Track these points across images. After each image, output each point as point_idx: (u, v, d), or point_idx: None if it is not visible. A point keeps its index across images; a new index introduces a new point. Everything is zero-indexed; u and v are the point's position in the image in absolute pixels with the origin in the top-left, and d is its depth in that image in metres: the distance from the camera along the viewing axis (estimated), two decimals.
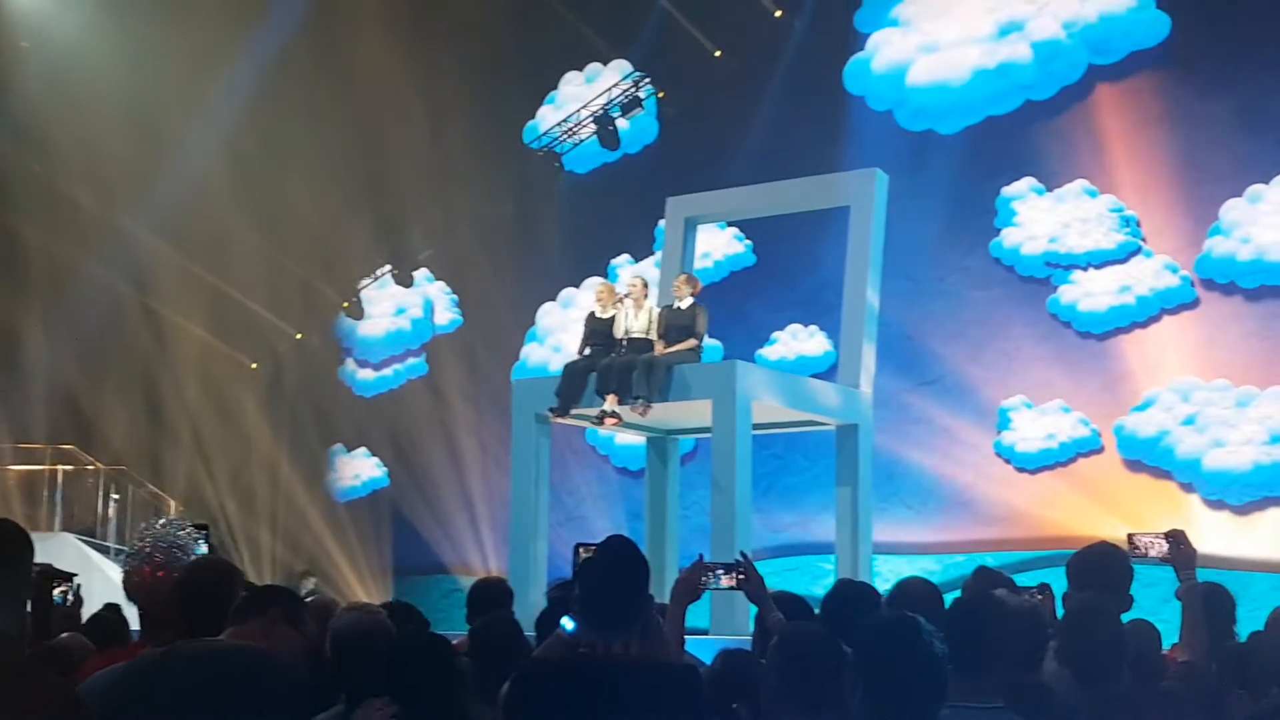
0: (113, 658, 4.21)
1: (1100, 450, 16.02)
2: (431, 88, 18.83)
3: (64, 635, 5.87)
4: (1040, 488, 16.12)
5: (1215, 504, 15.28)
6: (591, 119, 19.57)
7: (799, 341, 17.78)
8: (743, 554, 4.99)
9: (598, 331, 12.12)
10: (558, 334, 19.59)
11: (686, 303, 12.03)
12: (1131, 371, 15.95)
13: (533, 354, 19.98)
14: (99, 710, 3.43)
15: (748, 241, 18.25)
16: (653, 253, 18.27)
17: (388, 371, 21.80)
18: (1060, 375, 16.21)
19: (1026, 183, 16.60)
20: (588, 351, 12.12)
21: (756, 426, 11.87)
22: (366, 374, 22.00)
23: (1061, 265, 16.37)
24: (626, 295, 12.11)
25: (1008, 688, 3.81)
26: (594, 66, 20.15)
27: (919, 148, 16.86)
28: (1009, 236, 16.77)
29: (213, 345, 21.40)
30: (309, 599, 15.89)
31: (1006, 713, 3.69)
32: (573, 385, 11.91)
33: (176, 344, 21.20)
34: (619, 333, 11.93)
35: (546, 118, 20.31)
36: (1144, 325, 15.94)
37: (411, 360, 21.61)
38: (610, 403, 11.61)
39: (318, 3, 19.93)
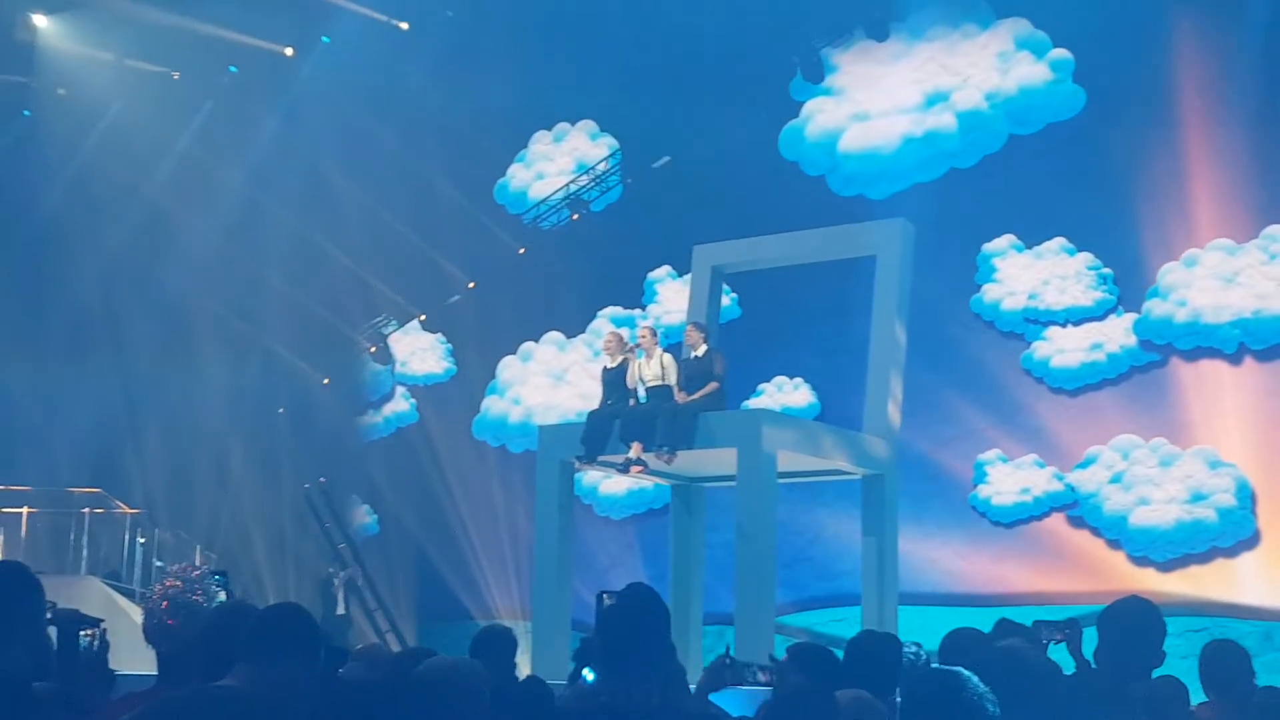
0: (131, 703, 4.19)
1: (1075, 504, 16.38)
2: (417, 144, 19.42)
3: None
4: (1016, 541, 16.40)
5: (1140, 560, 15.77)
6: (565, 201, 20.32)
7: (784, 394, 17.88)
8: (772, 658, 4.90)
9: (613, 382, 12.14)
10: (517, 387, 20.20)
11: (702, 350, 12.03)
12: (1086, 428, 16.36)
13: (493, 406, 20.46)
14: None
15: (734, 294, 18.20)
16: (642, 306, 19.21)
17: (378, 419, 22.04)
18: (1034, 430, 16.54)
19: (1007, 239, 17.01)
20: (610, 401, 12.13)
21: (782, 475, 11.80)
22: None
23: (1041, 321, 16.74)
24: (637, 345, 12.16)
25: None
26: (562, 126, 20.73)
27: (850, 212, 17.00)
28: (989, 292, 17.15)
29: (242, 389, 21.45)
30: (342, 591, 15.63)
31: None
32: (597, 433, 11.91)
33: (205, 388, 21.29)
34: (632, 382, 11.94)
35: (516, 175, 20.95)
36: (1115, 383, 16.35)
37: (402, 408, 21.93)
38: (635, 450, 11.60)
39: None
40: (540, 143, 20.95)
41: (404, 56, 20.50)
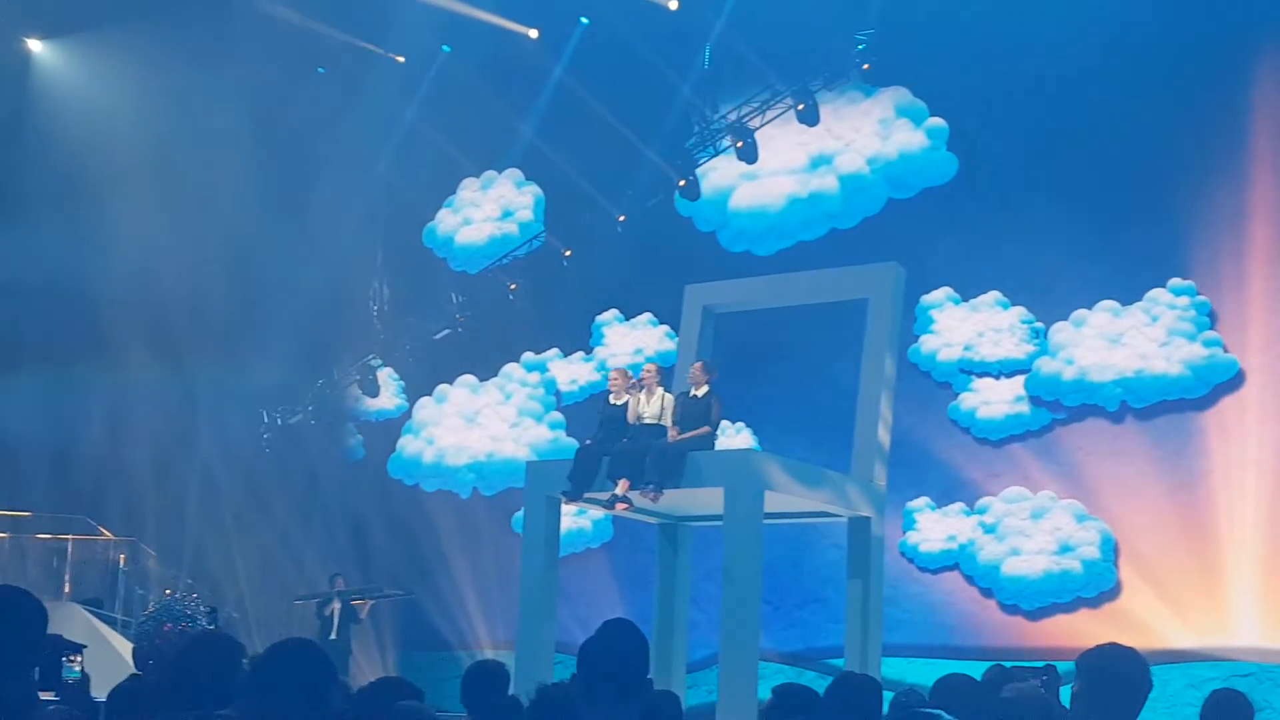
0: None
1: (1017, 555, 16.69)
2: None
3: (59, 708, 5.81)
4: (937, 588, 16.76)
5: (1010, 609, 16.37)
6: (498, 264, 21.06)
7: (726, 438, 17.95)
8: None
9: (611, 419, 12.15)
10: (431, 428, 20.85)
11: (703, 390, 12.05)
12: (1000, 478, 16.87)
13: (408, 445, 21.15)
14: None
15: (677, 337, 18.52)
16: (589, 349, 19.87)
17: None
18: (960, 479, 16.97)
19: (944, 292, 17.44)
20: (604, 438, 12.14)
21: (767, 515, 11.81)
22: None
23: (975, 373, 17.26)
24: (640, 380, 12.16)
25: None
26: (489, 173, 21.37)
27: (737, 267, 17.74)
28: (926, 343, 17.54)
29: (226, 420, 21.42)
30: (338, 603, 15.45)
31: None
32: (585, 469, 11.91)
33: (190, 418, 21.27)
34: (632, 418, 11.96)
35: (444, 220, 21.57)
36: (1038, 434, 16.92)
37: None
38: (621, 488, 11.60)
39: None
40: (466, 189, 21.53)
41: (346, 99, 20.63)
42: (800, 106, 18.12)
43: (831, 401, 15.98)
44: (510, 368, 20.47)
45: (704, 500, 11.85)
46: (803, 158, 18.36)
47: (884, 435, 12.98)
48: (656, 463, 11.48)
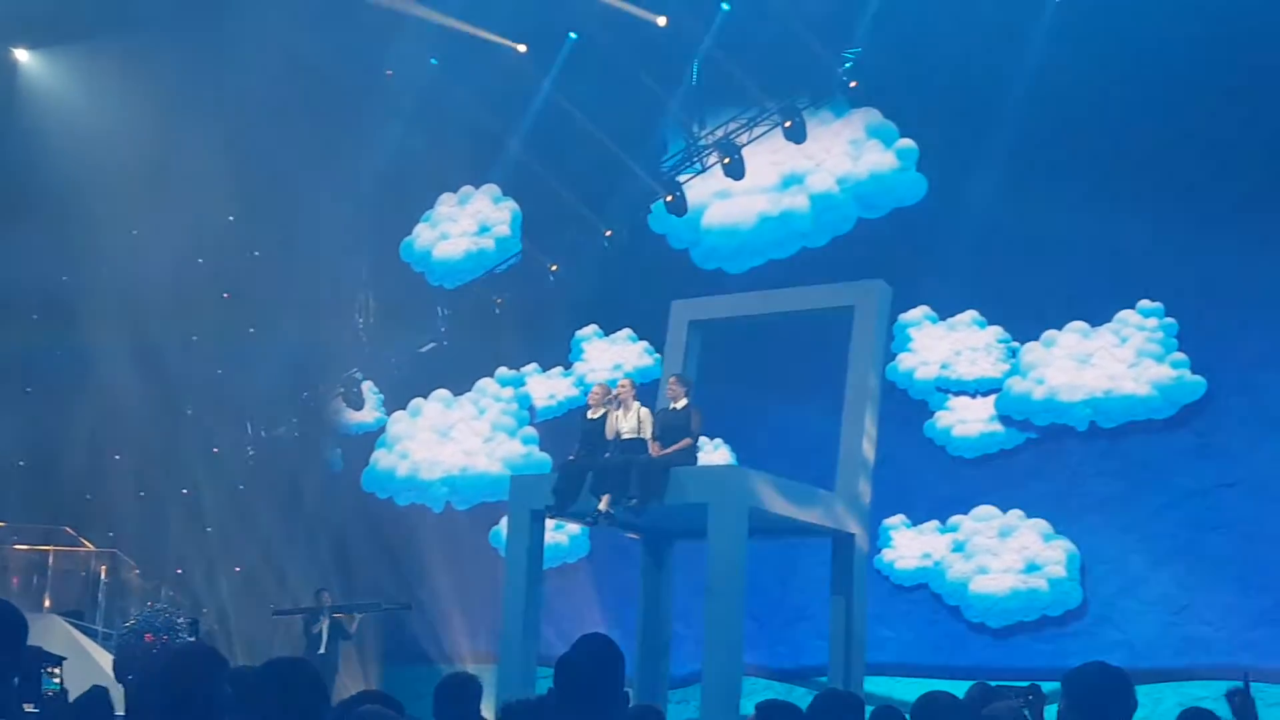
0: None
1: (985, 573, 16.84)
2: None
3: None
4: (913, 604, 16.92)
5: (977, 627, 16.55)
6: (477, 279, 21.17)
7: (705, 454, 17.98)
8: None
9: (590, 433, 12.15)
10: (405, 441, 20.94)
11: (682, 404, 12.07)
12: (968, 496, 17.03)
13: (381, 459, 21.21)
14: None
15: (657, 355, 18.44)
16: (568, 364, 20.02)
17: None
18: (936, 496, 17.10)
19: (921, 310, 17.57)
20: (584, 452, 12.13)
21: (752, 532, 11.79)
22: None
23: (951, 391, 17.37)
24: (616, 395, 12.18)
25: None
26: (467, 189, 21.41)
27: (710, 284, 17.81)
28: (903, 360, 17.62)
29: (211, 433, 21.36)
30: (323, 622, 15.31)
31: None
32: (569, 485, 11.90)
33: (175, 431, 21.20)
34: (610, 433, 11.94)
35: (422, 234, 21.60)
36: (1011, 453, 17.10)
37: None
38: (604, 503, 11.60)
39: None
40: (444, 204, 21.58)
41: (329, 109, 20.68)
42: (788, 124, 18.16)
43: (817, 419, 16.02)
44: (484, 382, 20.52)
45: (689, 516, 11.85)
46: (774, 176, 18.50)
47: (869, 450, 12.98)
48: (641, 478, 11.48)
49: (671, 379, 12.49)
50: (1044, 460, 16.80)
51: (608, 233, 19.72)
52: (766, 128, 18.48)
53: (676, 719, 13.83)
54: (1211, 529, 15.77)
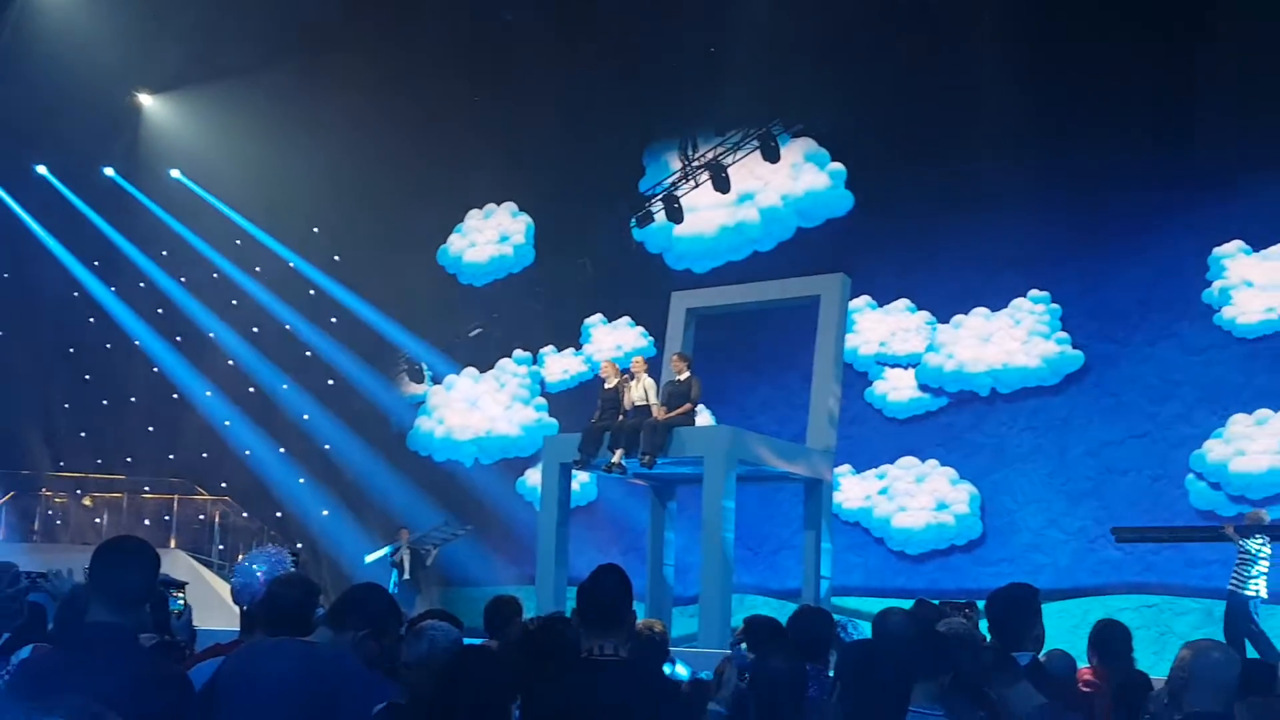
0: (217, 651, 4.23)
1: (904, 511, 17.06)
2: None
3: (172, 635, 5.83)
4: (853, 537, 16.90)
5: (898, 554, 16.72)
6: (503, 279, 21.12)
7: (700, 417, 18.12)
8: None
9: (607, 399, 12.24)
10: (442, 409, 20.95)
11: (684, 375, 12.13)
12: (894, 448, 17.13)
13: (422, 424, 21.18)
14: (206, 690, 3.45)
15: (650, 337, 18.81)
16: (579, 345, 20.02)
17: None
18: (873, 449, 17.20)
19: (864, 299, 17.53)
20: (603, 416, 12.20)
21: (740, 477, 11.86)
22: None
23: (887, 364, 17.54)
24: (629, 371, 12.30)
25: (944, 698, 3.78)
26: (490, 206, 21.47)
27: (680, 281, 17.68)
28: (850, 340, 17.44)
29: (301, 404, 21.41)
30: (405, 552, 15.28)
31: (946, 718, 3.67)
32: (591, 442, 11.98)
33: (273, 403, 21.29)
34: (627, 403, 12.02)
35: (454, 243, 21.55)
36: (932, 415, 17.15)
37: None
38: (618, 456, 11.69)
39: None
40: (472, 219, 21.55)
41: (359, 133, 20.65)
42: (772, 143, 18.20)
43: (792, 386, 16.07)
44: (504, 362, 20.57)
45: (687, 466, 11.91)
46: (731, 195, 18.79)
47: (834, 409, 13.03)
48: (649, 437, 11.55)
49: (675, 355, 12.54)
50: (954, 420, 16.95)
51: (633, 237, 19.68)
52: (748, 150, 18.48)
53: (682, 629, 13.91)
54: (1085, 473, 15.98)
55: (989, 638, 4.75)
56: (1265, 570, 10.51)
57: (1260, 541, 10.57)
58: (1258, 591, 10.43)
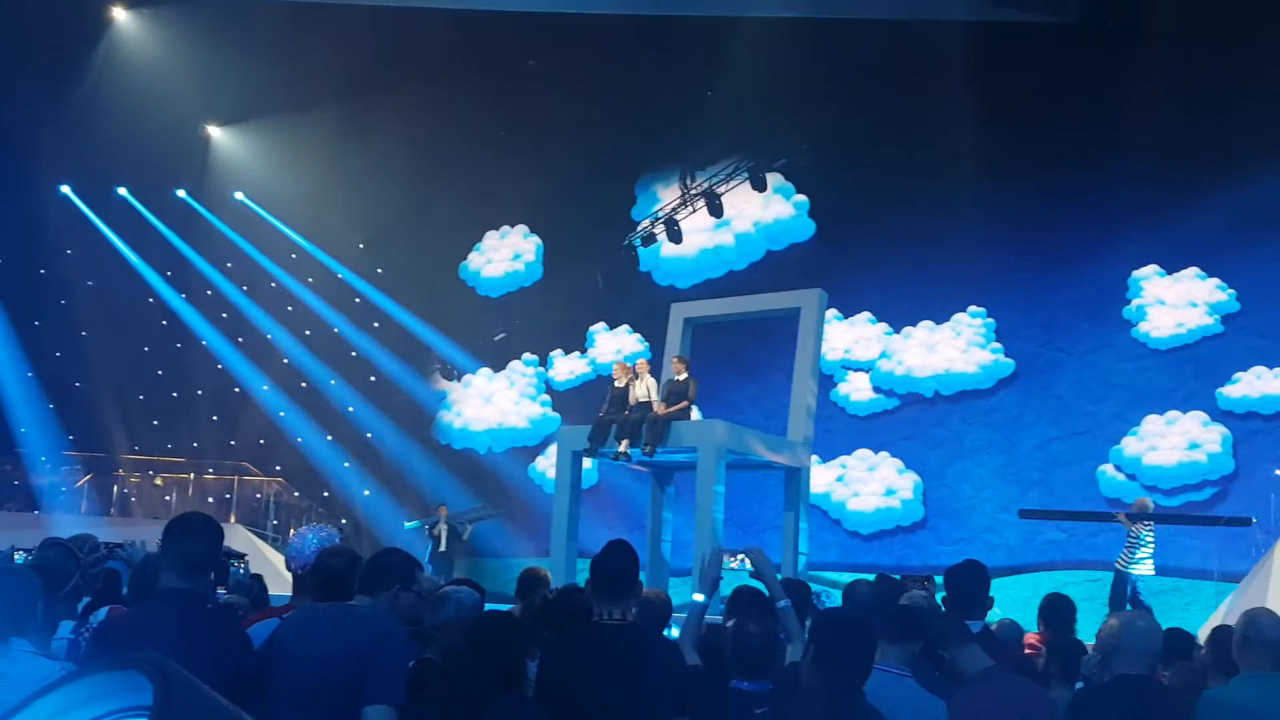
0: (272, 613, 4.22)
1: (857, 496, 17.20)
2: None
3: (231, 596, 5.84)
4: (815, 519, 17.03)
5: (852, 534, 16.86)
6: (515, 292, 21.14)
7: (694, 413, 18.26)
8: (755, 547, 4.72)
9: (616, 397, 12.20)
10: (460, 404, 21.00)
11: (683, 376, 12.09)
12: (853, 442, 17.27)
13: (442, 416, 21.23)
14: (265, 647, 3.44)
15: (646, 343, 18.91)
16: (584, 349, 20.08)
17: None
18: (837, 443, 17.27)
19: (831, 312, 17.54)
20: (612, 410, 12.17)
21: (730, 465, 11.82)
22: None
23: (851, 368, 17.74)
24: (635, 369, 12.26)
25: (912, 662, 3.78)
26: (505, 227, 21.54)
27: (665, 296, 17.84)
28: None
29: (346, 397, 21.43)
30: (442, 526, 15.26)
31: (909, 680, 3.67)
32: (599, 433, 11.95)
33: (323, 397, 21.30)
34: (633, 400, 12.00)
35: (473, 259, 21.65)
36: (886, 413, 17.35)
37: None
38: (623, 445, 11.66)
39: None
40: (489, 239, 21.57)
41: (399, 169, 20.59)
42: (760, 175, 18.26)
43: (779, 384, 16.06)
44: (514, 364, 20.59)
45: (684, 455, 11.88)
46: (710, 222, 18.85)
47: (812, 405, 12.99)
48: (650, 430, 11.53)
49: (675, 358, 12.50)
50: (903, 417, 17.06)
51: (631, 247, 19.75)
52: (739, 181, 18.50)
53: (678, 598, 13.87)
54: (1018, 463, 16.03)
55: (943, 608, 4.74)
56: (1150, 553, 10.55)
57: (1146, 526, 10.60)
58: (1142, 570, 10.47)
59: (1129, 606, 10.08)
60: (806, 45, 16.38)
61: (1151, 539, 10.59)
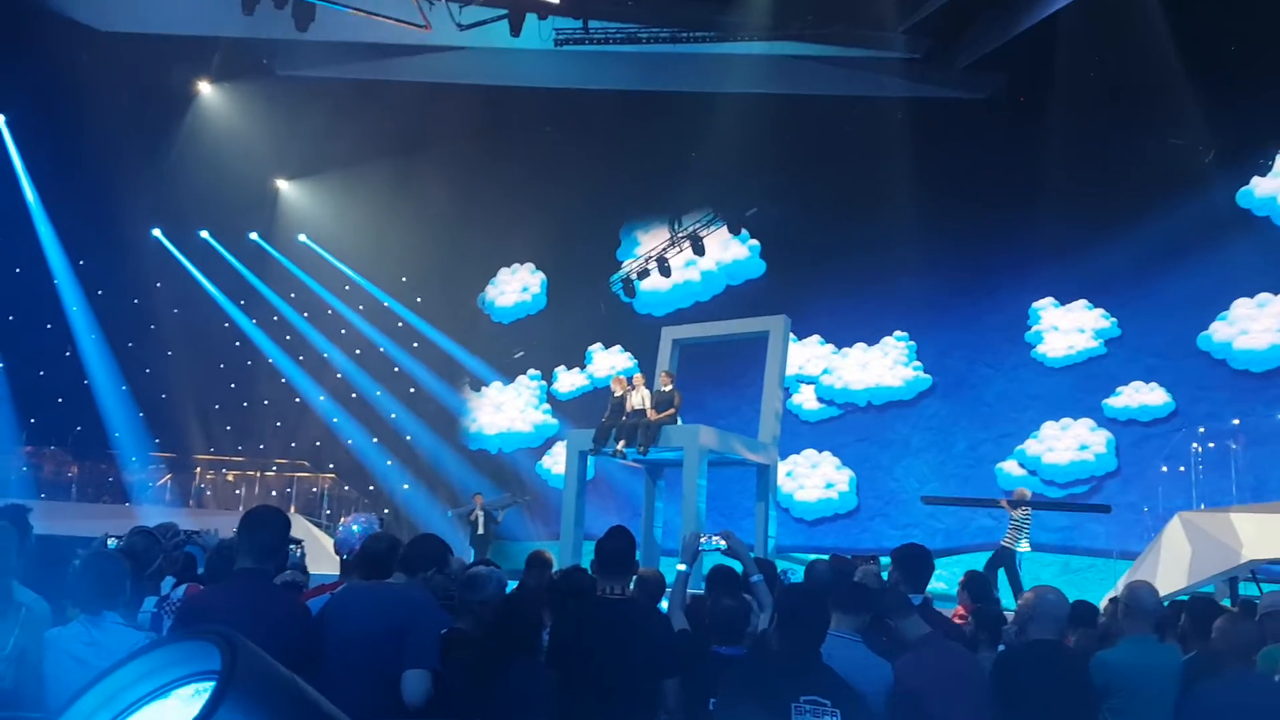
0: (323, 590, 4.20)
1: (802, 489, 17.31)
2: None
3: (289, 574, 5.77)
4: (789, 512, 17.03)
5: (799, 520, 16.99)
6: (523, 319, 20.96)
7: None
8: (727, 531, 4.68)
9: (615, 406, 12.20)
10: (475, 411, 20.94)
11: (668, 388, 12.11)
12: (802, 444, 17.33)
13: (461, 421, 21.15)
14: (316, 619, 3.43)
15: (635, 360, 18.98)
16: (584, 364, 20.01)
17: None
18: (790, 445, 17.13)
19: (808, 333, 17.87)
20: (611, 416, 12.17)
21: (711, 463, 11.82)
22: None
23: (803, 382, 17.77)
24: (631, 382, 12.26)
25: (863, 630, 3.77)
26: (515, 265, 21.51)
27: (644, 324, 18.28)
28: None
29: (389, 406, 21.35)
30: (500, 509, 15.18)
31: (860, 645, 3.66)
32: (602, 435, 11.95)
33: (369, 406, 21.24)
34: (630, 408, 12.00)
35: (489, 291, 21.57)
36: (829, 421, 17.50)
37: None
38: (621, 445, 11.67)
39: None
40: (502, 274, 21.59)
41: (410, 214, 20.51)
42: (736, 222, 18.35)
43: (752, 394, 16.05)
44: (521, 378, 20.64)
45: (672, 454, 11.86)
46: (682, 261, 19.00)
47: (779, 410, 13.00)
48: (644, 433, 11.53)
49: (663, 373, 12.50)
50: (841, 424, 17.25)
51: (630, 284, 19.81)
52: (718, 227, 18.55)
53: (669, 574, 13.77)
54: (913, 465, 16.36)
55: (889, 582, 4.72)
56: (1027, 534, 10.80)
57: (1024, 512, 10.77)
58: (1021, 548, 10.69)
59: (1004, 579, 10.23)
60: (770, 116, 16.49)
61: (1028, 522, 10.78)
